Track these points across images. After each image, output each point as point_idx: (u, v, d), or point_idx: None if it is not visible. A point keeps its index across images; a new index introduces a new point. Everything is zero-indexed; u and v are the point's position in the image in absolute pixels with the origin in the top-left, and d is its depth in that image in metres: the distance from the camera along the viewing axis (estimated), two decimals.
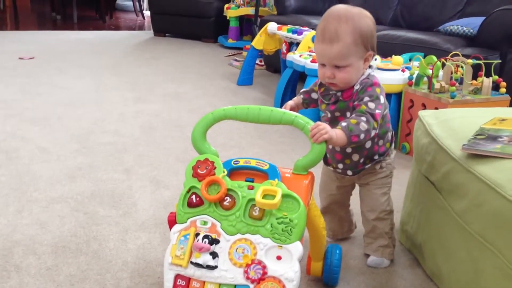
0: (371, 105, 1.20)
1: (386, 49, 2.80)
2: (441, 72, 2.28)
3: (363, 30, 1.20)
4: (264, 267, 0.98)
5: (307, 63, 2.58)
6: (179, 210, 1.06)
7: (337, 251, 1.33)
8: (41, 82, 3.56)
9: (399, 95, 2.36)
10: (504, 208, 1.02)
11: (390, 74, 2.35)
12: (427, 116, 1.49)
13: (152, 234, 1.57)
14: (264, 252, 0.99)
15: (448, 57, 2.35)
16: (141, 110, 2.95)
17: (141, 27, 7.24)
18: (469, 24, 2.82)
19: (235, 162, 1.10)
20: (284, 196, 1.02)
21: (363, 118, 1.17)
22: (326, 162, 1.42)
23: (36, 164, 2.10)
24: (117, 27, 7.04)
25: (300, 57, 2.70)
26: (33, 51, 4.64)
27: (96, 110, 2.92)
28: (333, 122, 1.28)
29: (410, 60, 2.59)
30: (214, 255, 1.01)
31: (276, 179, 1.04)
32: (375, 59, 2.52)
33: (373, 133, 1.19)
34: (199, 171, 1.08)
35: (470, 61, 2.19)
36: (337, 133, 1.13)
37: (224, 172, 1.07)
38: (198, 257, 1.01)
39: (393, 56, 2.49)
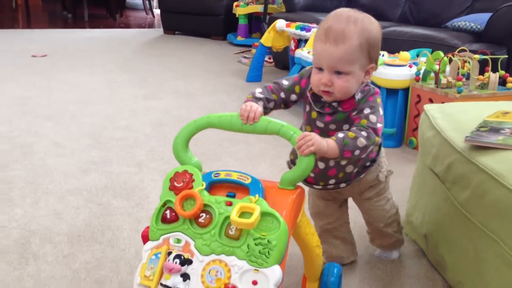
0: (373, 118, 1.08)
1: (394, 45, 2.83)
2: (448, 68, 2.30)
3: (370, 36, 1.08)
4: None
5: None
6: (152, 226, 0.99)
7: (335, 270, 1.22)
8: (53, 79, 3.63)
9: (406, 90, 2.39)
10: (506, 197, 1.05)
11: (397, 69, 2.38)
12: (432, 109, 1.52)
13: None
14: (238, 276, 0.90)
15: (455, 52, 2.37)
16: (152, 107, 3.00)
17: (151, 25, 7.31)
18: (477, 20, 2.84)
19: (216, 175, 1.01)
20: (264, 214, 0.93)
21: (363, 133, 1.05)
22: (308, 182, 1.25)
23: (50, 158, 2.15)
24: (127, 25, 7.11)
25: (309, 54, 2.73)
26: (45, 49, 4.71)
27: (108, 107, 2.98)
28: (324, 135, 1.06)
29: (417, 56, 2.62)
30: (185, 277, 0.92)
31: (257, 195, 0.95)
32: (382, 55, 2.55)
33: (370, 149, 1.07)
34: (176, 183, 1.00)
35: (477, 56, 2.21)
36: (329, 144, 1.02)
37: (203, 185, 0.99)
38: (168, 278, 0.92)
39: (401, 52, 2.51)
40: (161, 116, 2.82)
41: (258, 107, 1.04)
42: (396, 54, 2.56)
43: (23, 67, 3.99)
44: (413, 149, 2.36)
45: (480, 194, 1.13)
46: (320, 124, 1.16)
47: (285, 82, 1.19)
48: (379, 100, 1.12)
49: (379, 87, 2.44)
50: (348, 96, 1.11)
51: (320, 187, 1.24)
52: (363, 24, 1.08)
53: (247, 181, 0.99)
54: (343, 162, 1.17)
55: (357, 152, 1.04)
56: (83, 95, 3.23)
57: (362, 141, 1.04)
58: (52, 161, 2.12)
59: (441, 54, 2.29)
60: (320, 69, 1.09)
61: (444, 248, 1.33)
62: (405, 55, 2.46)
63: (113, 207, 1.73)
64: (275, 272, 0.89)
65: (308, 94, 1.17)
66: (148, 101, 3.14)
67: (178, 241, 0.96)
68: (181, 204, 0.97)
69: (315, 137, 0.98)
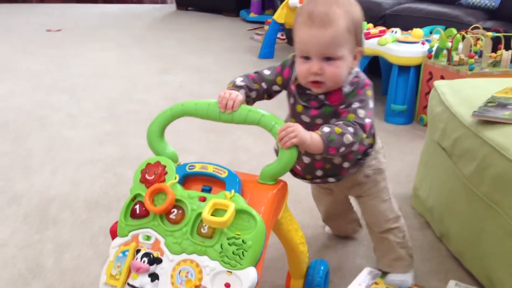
0: (361, 113, 1.00)
1: (408, 22, 2.81)
2: (460, 45, 2.30)
3: (355, 17, 1.00)
4: None
5: None
6: (120, 221, 0.92)
7: (321, 268, 1.16)
8: (68, 53, 3.67)
9: (418, 67, 2.39)
10: (510, 170, 1.08)
11: (410, 46, 2.38)
12: (442, 86, 1.54)
13: None
14: (210, 278, 0.84)
15: (469, 30, 2.37)
16: (165, 81, 3.04)
17: (164, 1, 7.28)
18: None
19: (190, 167, 0.94)
20: (239, 211, 0.86)
21: (351, 129, 0.97)
22: (295, 174, 1.18)
23: (66, 130, 2.21)
24: (140, 1, 7.09)
25: None
26: (59, 24, 4.76)
27: (122, 81, 3.02)
28: (310, 131, 0.98)
29: (431, 33, 2.61)
30: (153, 277, 0.87)
31: (233, 191, 0.89)
32: (395, 32, 2.55)
33: (356, 146, 0.99)
34: (147, 176, 0.93)
35: (490, 34, 2.20)
36: (313, 138, 0.94)
37: (176, 178, 0.92)
38: (135, 278, 0.87)
39: (414, 29, 2.51)
40: (174, 90, 2.86)
41: (238, 95, 0.97)
42: (409, 31, 2.56)
43: (38, 41, 4.04)
44: (424, 126, 2.38)
45: (484, 167, 1.16)
46: (305, 118, 1.07)
47: (266, 72, 1.10)
48: (369, 92, 1.03)
49: (390, 64, 2.46)
50: (340, 85, 1.02)
51: (307, 180, 1.17)
52: (345, 6, 1.00)
53: (223, 174, 0.92)
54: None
55: (342, 149, 0.96)
56: (97, 69, 3.27)
57: (348, 138, 0.96)
58: (68, 132, 2.18)
59: (454, 31, 2.28)
60: (307, 58, 1.00)
61: (449, 220, 1.37)
62: (418, 32, 2.46)
63: (128, 177, 1.79)
64: (249, 275, 0.83)
65: (293, 86, 1.08)
66: (161, 75, 3.18)
67: (148, 238, 0.90)
68: (151, 199, 0.90)
69: (297, 128, 0.92)
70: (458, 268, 1.32)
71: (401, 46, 2.38)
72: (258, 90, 1.08)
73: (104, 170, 1.83)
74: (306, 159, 1.12)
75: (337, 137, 0.95)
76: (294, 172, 1.18)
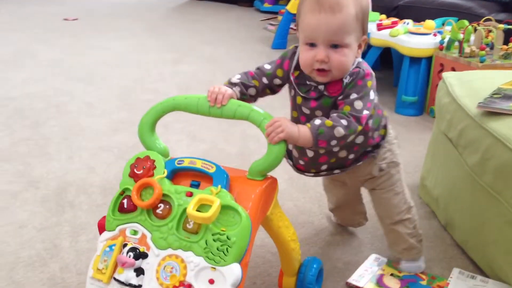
0: (358, 104, 0.98)
1: (422, 13, 2.82)
2: (472, 37, 2.30)
3: (363, 5, 0.99)
4: None
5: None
6: (108, 216, 0.93)
7: (314, 266, 1.15)
8: (84, 42, 3.74)
9: (429, 59, 2.40)
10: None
11: (421, 38, 2.39)
12: (450, 77, 1.55)
13: None
14: (194, 274, 0.84)
15: (481, 21, 2.37)
16: (179, 71, 3.08)
17: None
18: None
19: (179, 162, 0.94)
20: (225, 207, 0.86)
21: (343, 122, 0.95)
22: (298, 169, 1.18)
23: (83, 117, 2.28)
24: None
25: None
26: (76, 13, 4.83)
27: (136, 70, 3.08)
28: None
29: (443, 24, 2.61)
30: (139, 271, 0.87)
31: (219, 186, 0.89)
32: (407, 23, 2.55)
33: (351, 138, 0.98)
34: (136, 170, 0.93)
35: (502, 26, 2.21)
36: (301, 131, 0.94)
37: (164, 173, 0.92)
38: (121, 272, 0.87)
39: (426, 20, 2.51)
40: (187, 80, 2.91)
41: (227, 90, 0.97)
42: (422, 22, 2.56)
43: (56, 30, 4.12)
44: (434, 117, 2.38)
45: (488, 157, 1.19)
46: (306, 110, 1.06)
47: (266, 67, 1.09)
48: (370, 83, 1.01)
49: (401, 55, 2.47)
50: (345, 74, 1.00)
51: (312, 174, 1.16)
52: None
53: (211, 170, 0.92)
54: (336, 149, 1.08)
55: (333, 142, 0.95)
56: (112, 58, 3.33)
57: (340, 131, 0.94)
58: (85, 119, 2.25)
59: (466, 23, 2.29)
60: (312, 45, 0.98)
61: (453, 209, 1.40)
62: (430, 23, 2.46)
63: None
64: (233, 271, 0.83)
65: (292, 77, 1.06)
66: (175, 65, 3.22)
67: (135, 232, 0.90)
68: (138, 193, 0.90)
69: (284, 122, 0.92)
70: (461, 257, 1.35)
71: (412, 38, 2.39)
72: (256, 87, 1.07)
73: (119, 157, 1.88)
74: (310, 153, 1.11)
75: (327, 130, 0.94)
76: (296, 168, 1.18)
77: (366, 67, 1.03)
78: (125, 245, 0.89)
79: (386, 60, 2.99)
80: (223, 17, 5.02)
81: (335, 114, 0.97)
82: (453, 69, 2.24)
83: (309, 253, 1.36)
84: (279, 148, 0.92)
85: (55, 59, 3.24)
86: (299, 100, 1.07)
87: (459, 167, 1.35)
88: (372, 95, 1.01)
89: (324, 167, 1.13)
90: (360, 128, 0.97)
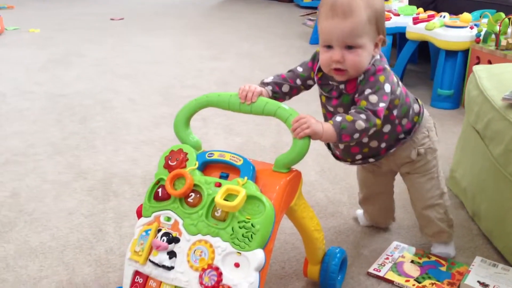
0: (373, 98, 1.04)
1: (459, 6, 2.79)
2: (509, 29, 2.28)
3: (377, 8, 1.05)
4: (220, 274, 0.90)
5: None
6: (144, 203, 1.01)
7: (338, 255, 1.19)
8: (128, 41, 3.91)
9: (465, 52, 2.39)
10: None
11: (458, 31, 2.38)
12: (480, 70, 1.57)
13: None
14: (221, 258, 0.91)
15: None
16: (217, 67, 3.18)
17: None
18: None
19: (210, 155, 1.02)
20: (250, 197, 0.92)
21: (362, 116, 1.02)
22: (336, 157, 1.27)
23: (127, 112, 2.41)
24: None
25: None
26: (122, 13, 5.03)
27: (176, 67, 3.20)
28: None
29: (480, 17, 2.58)
30: (171, 254, 0.95)
31: (246, 177, 0.95)
32: (444, 17, 2.54)
33: (372, 130, 1.04)
34: (170, 162, 1.02)
35: None
36: (325, 128, 1.00)
37: (195, 165, 1.00)
38: (155, 255, 0.95)
39: (464, 13, 2.49)
40: (225, 76, 3.00)
41: (256, 87, 1.05)
42: (458, 15, 2.55)
43: (103, 30, 4.31)
44: None
45: (511, 149, 1.21)
46: (330, 108, 1.15)
47: (299, 69, 1.18)
48: (382, 78, 1.06)
49: (438, 48, 2.47)
50: (361, 72, 1.07)
51: (348, 163, 1.25)
52: None
53: (239, 162, 0.99)
54: (365, 140, 1.15)
55: (356, 136, 1.02)
56: (154, 56, 3.47)
57: (360, 124, 1.01)
58: (128, 115, 2.38)
59: (503, 15, 2.26)
60: (329, 47, 1.06)
61: (479, 199, 1.42)
62: (466, 16, 2.45)
63: None
64: (257, 256, 0.89)
65: (315, 78, 1.15)
66: (213, 61, 3.33)
67: (168, 219, 0.97)
68: (172, 183, 0.98)
69: (310, 120, 0.98)
70: (487, 246, 1.38)
71: (448, 31, 2.39)
72: (291, 85, 1.16)
73: (160, 150, 2.00)
74: (341, 145, 1.20)
75: (349, 125, 1.00)
76: (335, 156, 1.27)
77: (380, 63, 1.09)
78: (159, 230, 0.97)
79: (424, 54, 2.99)
80: (262, 14, 5.09)
81: (353, 110, 1.04)
82: (489, 62, 2.23)
83: (336, 241, 1.42)
84: (304, 143, 0.97)
85: (101, 57, 3.41)
86: (323, 99, 1.17)
87: (485, 159, 1.38)
88: (388, 88, 1.07)
89: (358, 156, 1.21)
90: (378, 121, 1.03)
